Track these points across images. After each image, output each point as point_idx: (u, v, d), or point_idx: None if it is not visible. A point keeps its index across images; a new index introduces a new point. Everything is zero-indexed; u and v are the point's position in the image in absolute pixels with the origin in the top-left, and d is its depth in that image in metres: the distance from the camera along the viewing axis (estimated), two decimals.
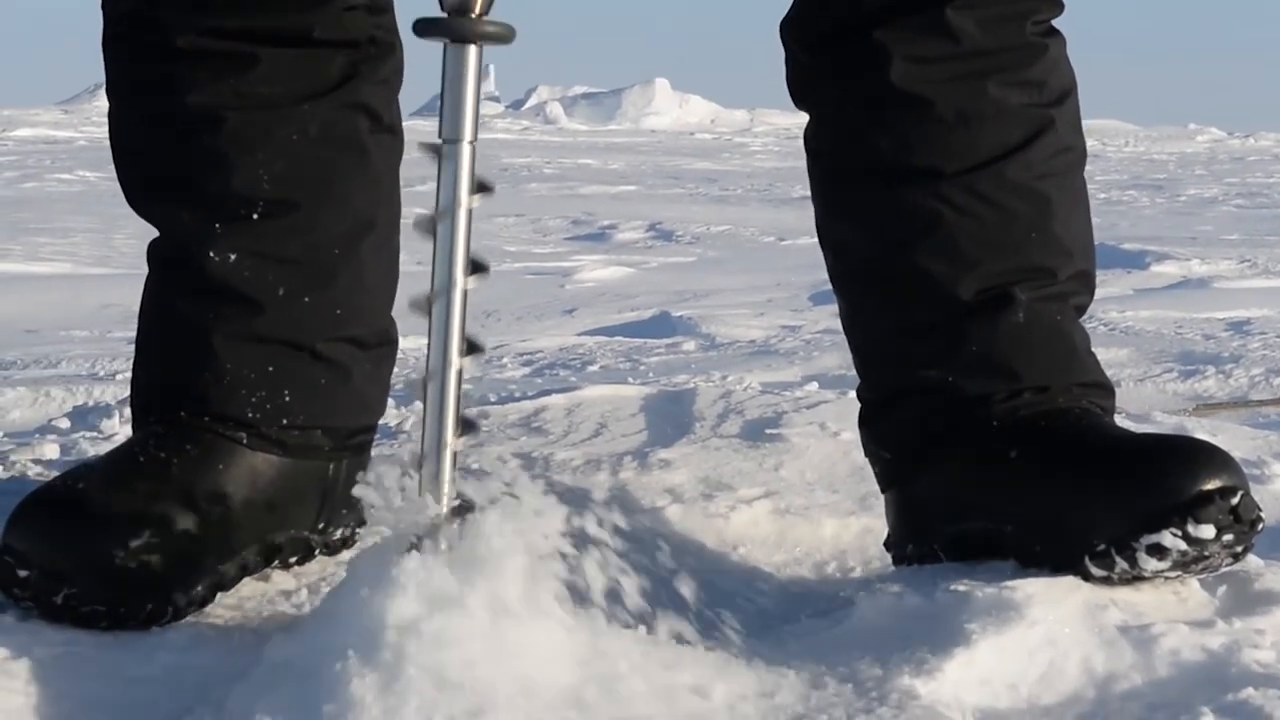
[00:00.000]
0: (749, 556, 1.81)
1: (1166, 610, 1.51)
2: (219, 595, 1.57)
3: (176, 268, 1.64)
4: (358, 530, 1.72)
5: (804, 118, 1.77)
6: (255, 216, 1.62)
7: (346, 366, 1.67)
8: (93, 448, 2.43)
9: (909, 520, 1.70)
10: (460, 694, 1.24)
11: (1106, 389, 1.70)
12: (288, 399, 1.62)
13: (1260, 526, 1.54)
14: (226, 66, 1.62)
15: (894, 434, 1.71)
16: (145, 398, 1.65)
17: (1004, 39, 1.67)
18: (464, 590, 1.30)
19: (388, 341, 1.73)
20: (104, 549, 1.48)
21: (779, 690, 1.38)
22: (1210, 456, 1.53)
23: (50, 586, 1.47)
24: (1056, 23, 1.73)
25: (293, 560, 1.67)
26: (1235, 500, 1.51)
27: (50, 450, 2.38)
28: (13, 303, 5.70)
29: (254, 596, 1.60)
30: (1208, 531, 1.50)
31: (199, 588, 1.52)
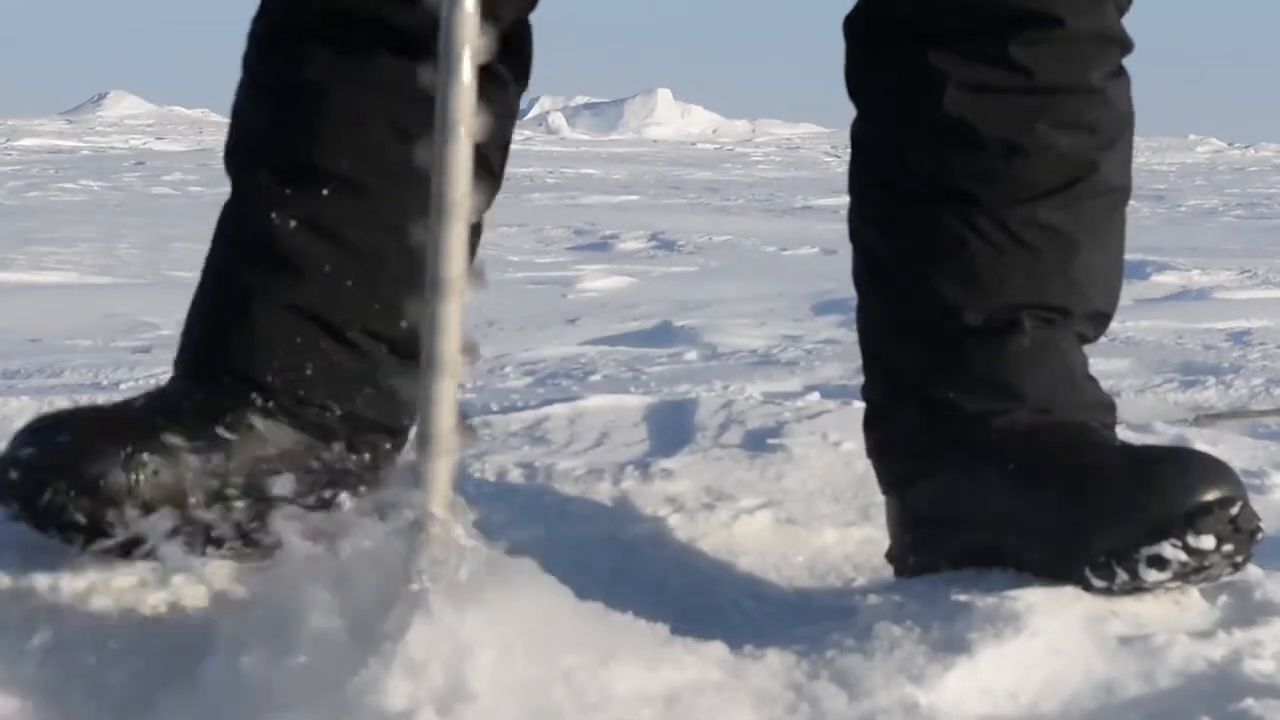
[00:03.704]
0: (750, 566, 1.81)
1: (1167, 620, 1.51)
2: (205, 547, 1.57)
3: (238, 224, 1.68)
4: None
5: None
6: (325, 192, 1.65)
7: (374, 360, 1.66)
8: None
9: (910, 530, 1.70)
10: (445, 676, 1.25)
11: (1107, 406, 1.71)
12: (308, 373, 1.64)
13: (1260, 536, 1.54)
14: (348, 50, 1.66)
15: (896, 441, 1.72)
16: (184, 351, 1.70)
17: (1062, 80, 1.68)
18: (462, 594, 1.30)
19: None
20: (88, 460, 1.51)
21: (778, 699, 1.38)
22: (1209, 467, 1.54)
23: (35, 489, 1.51)
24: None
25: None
26: (1235, 510, 1.51)
27: None
28: (16, 312, 5.70)
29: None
30: (1208, 542, 1.50)
31: (179, 523, 1.53)
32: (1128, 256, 1.81)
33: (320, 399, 1.64)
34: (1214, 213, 13.28)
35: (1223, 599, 1.55)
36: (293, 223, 1.65)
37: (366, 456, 1.68)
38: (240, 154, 1.71)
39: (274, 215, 1.65)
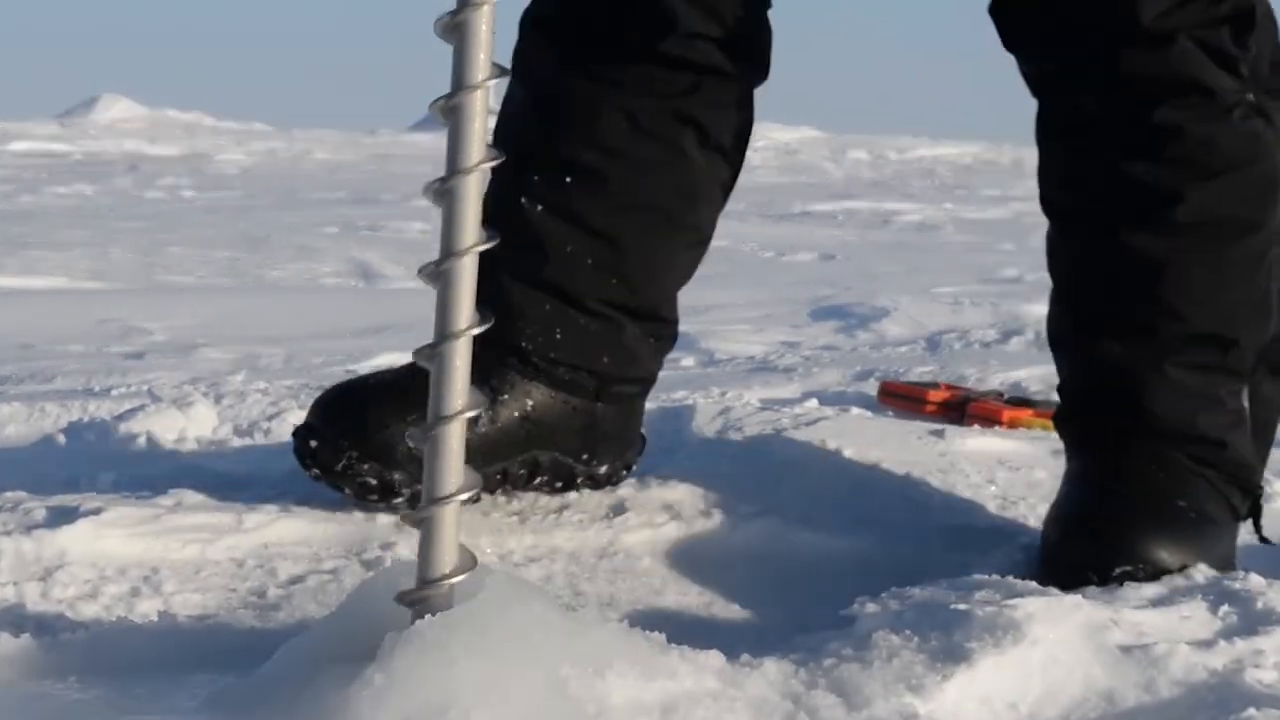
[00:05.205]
0: (747, 574, 1.81)
1: (1168, 629, 1.51)
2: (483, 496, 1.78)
3: (492, 204, 1.77)
4: (624, 471, 1.95)
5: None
6: (568, 179, 1.85)
7: (617, 323, 1.90)
8: None
9: None
10: (442, 686, 1.24)
11: (1192, 438, 1.80)
12: (558, 337, 1.87)
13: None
14: (590, 52, 1.86)
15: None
16: None
17: (1127, 118, 1.81)
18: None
19: (662, 320, 1.95)
20: (375, 428, 1.76)
21: (776, 709, 1.37)
22: (1089, 549, 1.69)
23: (332, 456, 1.78)
24: None
25: (558, 484, 1.91)
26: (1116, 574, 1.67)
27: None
28: (8, 317, 5.69)
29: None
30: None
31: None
32: None
33: (569, 359, 1.87)
34: None
35: (1224, 608, 1.55)
36: (539, 207, 1.84)
37: (614, 407, 1.92)
38: (498, 136, 1.88)
39: (523, 200, 1.83)
